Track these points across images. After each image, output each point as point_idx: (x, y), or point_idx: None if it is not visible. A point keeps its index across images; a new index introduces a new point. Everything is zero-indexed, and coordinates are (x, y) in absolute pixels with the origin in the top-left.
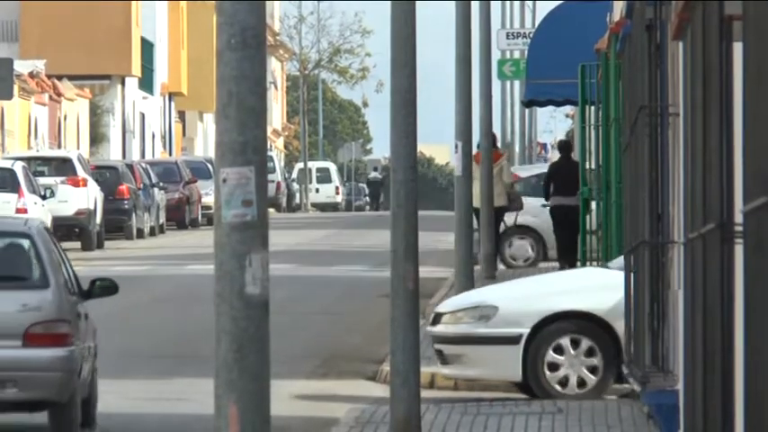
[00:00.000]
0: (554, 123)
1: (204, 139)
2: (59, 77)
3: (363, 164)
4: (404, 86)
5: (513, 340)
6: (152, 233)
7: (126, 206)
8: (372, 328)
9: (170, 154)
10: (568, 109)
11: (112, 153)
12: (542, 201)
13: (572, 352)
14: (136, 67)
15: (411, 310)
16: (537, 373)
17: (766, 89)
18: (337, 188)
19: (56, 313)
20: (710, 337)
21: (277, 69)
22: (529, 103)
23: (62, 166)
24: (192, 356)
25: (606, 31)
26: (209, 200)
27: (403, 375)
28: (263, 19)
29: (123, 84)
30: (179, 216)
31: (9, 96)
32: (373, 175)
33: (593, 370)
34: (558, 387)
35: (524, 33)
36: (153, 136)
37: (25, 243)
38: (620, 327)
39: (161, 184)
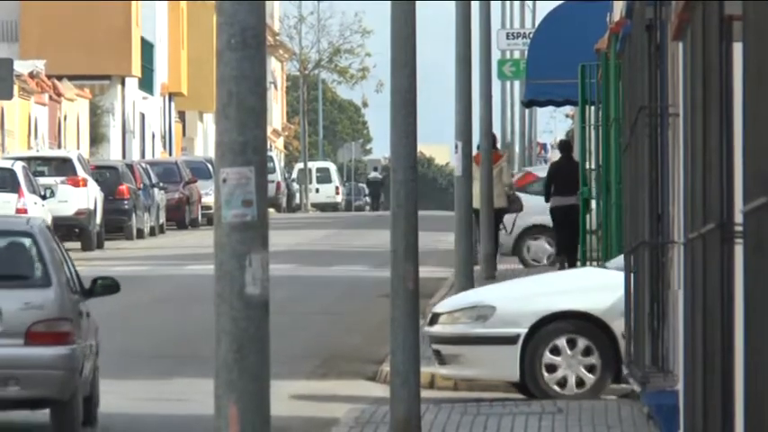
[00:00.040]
0: (554, 123)
1: (204, 139)
2: (59, 77)
3: (363, 164)
4: (404, 86)
5: (510, 340)
6: (152, 233)
7: (126, 206)
8: (372, 328)
9: (170, 154)
10: (568, 109)
11: (112, 153)
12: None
13: (569, 352)
14: (136, 68)
15: (411, 310)
16: (534, 374)
17: (766, 89)
18: (337, 188)
19: (58, 312)
20: (710, 338)
21: (277, 69)
22: (529, 103)
23: (62, 167)
24: (192, 357)
25: (606, 32)
26: (209, 200)
27: (403, 375)
28: (263, 19)
29: (123, 84)
30: (179, 216)
31: (9, 96)
32: (373, 175)
33: (590, 369)
34: (556, 388)
35: (524, 33)
36: (153, 136)
37: (27, 242)
38: (617, 327)
39: (161, 184)
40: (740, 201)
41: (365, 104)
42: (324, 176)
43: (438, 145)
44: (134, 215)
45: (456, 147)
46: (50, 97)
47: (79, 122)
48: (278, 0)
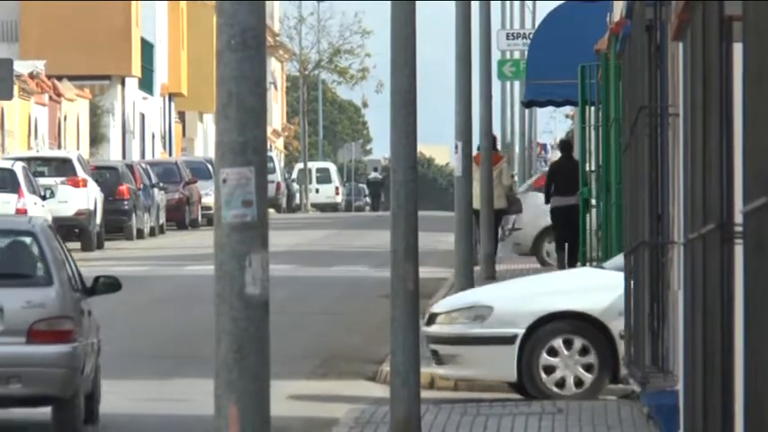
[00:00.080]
0: (554, 124)
1: (204, 140)
2: (59, 78)
3: (363, 164)
4: (404, 86)
5: (508, 340)
6: (152, 233)
7: (126, 206)
8: (372, 329)
9: (170, 154)
10: (568, 109)
11: (112, 153)
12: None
13: (566, 352)
14: (136, 68)
15: (411, 310)
16: (532, 374)
17: (766, 89)
18: (337, 188)
19: (59, 310)
20: (710, 338)
21: (277, 70)
22: (529, 103)
23: (62, 167)
24: (192, 357)
25: (606, 32)
26: (209, 200)
27: (403, 376)
28: (262, 20)
29: (123, 84)
30: (179, 216)
31: (9, 97)
32: (373, 175)
33: (588, 368)
34: (553, 388)
35: (524, 34)
36: (153, 136)
37: (29, 241)
38: (615, 327)
39: (161, 184)
40: (740, 201)
41: (365, 105)
42: (324, 177)
43: (438, 145)
44: (134, 215)
45: (456, 147)
46: (50, 97)
47: (79, 123)
48: (278, 0)
